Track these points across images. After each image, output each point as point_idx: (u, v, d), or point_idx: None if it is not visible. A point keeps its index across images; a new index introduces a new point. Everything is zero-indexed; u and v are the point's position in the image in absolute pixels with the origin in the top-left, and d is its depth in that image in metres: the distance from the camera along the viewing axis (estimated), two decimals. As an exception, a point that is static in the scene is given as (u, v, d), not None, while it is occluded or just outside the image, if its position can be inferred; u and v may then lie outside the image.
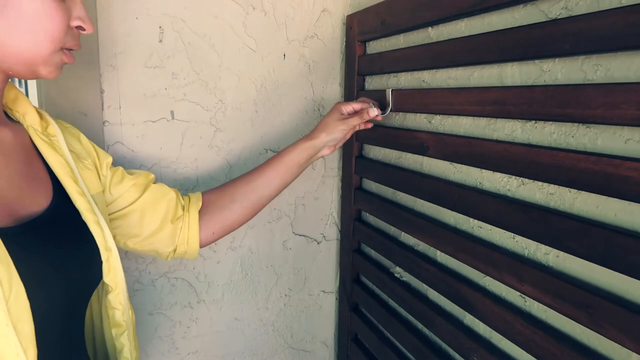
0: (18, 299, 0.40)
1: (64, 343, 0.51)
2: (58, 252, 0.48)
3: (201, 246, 0.73)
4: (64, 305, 0.48)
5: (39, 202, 0.50)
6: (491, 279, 0.61)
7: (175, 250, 0.71)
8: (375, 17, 0.83)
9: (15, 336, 0.40)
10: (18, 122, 0.55)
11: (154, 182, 0.72)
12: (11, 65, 0.46)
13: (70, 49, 0.50)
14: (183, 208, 0.72)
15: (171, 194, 0.71)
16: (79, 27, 0.50)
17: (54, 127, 0.58)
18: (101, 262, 0.53)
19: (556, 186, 0.52)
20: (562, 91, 0.48)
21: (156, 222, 0.68)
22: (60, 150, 0.57)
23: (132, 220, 0.66)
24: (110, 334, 0.59)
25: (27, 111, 0.56)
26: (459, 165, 0.68)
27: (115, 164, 0.82)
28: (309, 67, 0.98)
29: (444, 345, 0.73)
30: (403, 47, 0.80)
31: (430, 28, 0.73)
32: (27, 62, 0.46)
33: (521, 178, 0.57)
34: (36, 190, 0.51)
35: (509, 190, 0.59)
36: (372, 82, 0.91)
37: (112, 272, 0.55)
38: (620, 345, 0.44)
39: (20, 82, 2.30)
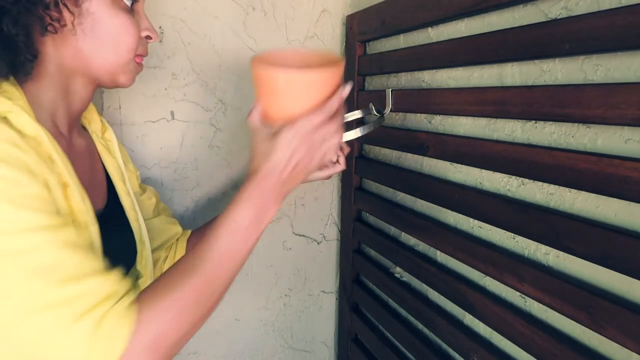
0: None
1: None
2: (108, 247, 0.52)
3: None
4: None
5: (97, 202, 0.56)
6: (491, 279, 0.61)
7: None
8: (375, 17, 0.83)
9: None
10: (83, 128, 0.62)
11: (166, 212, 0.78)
12: (99, 76, 0.53)
13: (141, 56, 0.58)
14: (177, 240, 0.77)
15: (178, 229, 0.76)
16: (147, 37, 0.57)
17: (110, 133, 0.65)
18: (135, 252, 0.61)
19: (556, 186, 0.52)
20: (562, 91, 0.48)
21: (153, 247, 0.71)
22: (114, 154, 0.64)
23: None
24: None
25: (92, 118, 0.63)
26: (459, 165, 0.68)
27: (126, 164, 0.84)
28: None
29: (444, 346, 0.73)
30: (403, 47, 0.80)
31: (430, 28, 0.73)
32: (110, 71, 0.53)
33: (521, 178, 0.57)
34: (96, 191, 0.58)
35: (509, 190, 0.59)
36: (372, 82, 0.91)
37: (144, 261, 0.62)
38: (620, 346, 0.44)
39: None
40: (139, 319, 0.41)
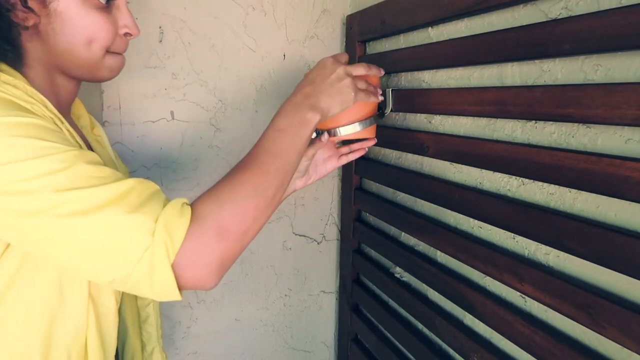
0: None
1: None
2: None
3: None
4: None
5: None
6: (491, 279, 0.61)
7: None
8: (375, 17, 0.83)
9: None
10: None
11: None
12: (78, 73, 0.54)
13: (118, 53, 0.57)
14: None
15: None
16: (127, 34, 0.56)
17: (99, 129, 0.66)
18: None
19: (556, 186, 0.52)
20: (562, 91, 0.48)
21: None
22: (107, 148, 0.65)
23: None
24: (136, 304, 0.65)
25: (81, 114, 0.64)
26: (459, 165, 0.68)
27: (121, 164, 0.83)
28: (308, 67, 0.98)
29: (444, 346, 0.73)
30: (403, 47, 0.80)
31: (430, 28, 0.73)
32: (87, 68, 0.53)
33: (521, 178, 0.57)
34: None
35: (509, 190, 0.59)
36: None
37: None
38: (620, 346, 0.44)
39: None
40: (198, 211, 0.44)
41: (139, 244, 0.40)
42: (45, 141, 0.41)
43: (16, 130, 0.40)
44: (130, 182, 0.43)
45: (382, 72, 0.69)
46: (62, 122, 0.48)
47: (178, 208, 0.43)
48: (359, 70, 0.64)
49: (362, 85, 0.64)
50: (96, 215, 0.40)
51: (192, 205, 0.45)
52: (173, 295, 0.42)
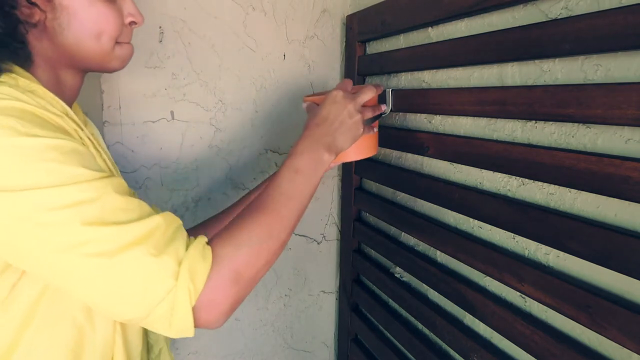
0: None
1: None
2: None
3: None
4: None
5: None
6: (491, 279, 0.61)
7: None
8: (375, 17, 0.83)
9: None
10: None
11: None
12: (86, 66, 0.53)
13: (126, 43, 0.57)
14: None
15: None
16: (132, 23, 0.56)
17: (92, 127, 0.64)
18: None
19: (556, 186, 0.52)
20: (562, 91, 0.48)
21: None
22: (102, 147, 0.63)
23: None
24: None
25: (77, 112, 0.62)
26: (459, 165, 0.68)
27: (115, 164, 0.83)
28: (309, 67, 0.98)
29: (444, 346, 0.73)
30: (403, 47, 0.80)
31: (430, 28, 0.73)
32: (97, 61, 0.53)
33: (521, 178, 0.57)
34: None
35: (509, 190, 0.59)
36: (372, 82, 0.91)
37: None
38: (620, 346, 0.44)
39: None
40: (216, 253, 0.45)
41: (162, 287, 0.41)
42: (75, 167, 0.41)
43: (46, 154, 0.39)
44: (157, 219, 0.43)
45: (383, 88, 0.70)
46: (82, 130, 0.48)
47: (200, 250, 0.44)
48: (366, 96, 0.64)
49: (368, 114, 0.65)
50: (122, 256, 0.40)
51: (212, 245, 0.46)
52: (188, 333, 0.43)
